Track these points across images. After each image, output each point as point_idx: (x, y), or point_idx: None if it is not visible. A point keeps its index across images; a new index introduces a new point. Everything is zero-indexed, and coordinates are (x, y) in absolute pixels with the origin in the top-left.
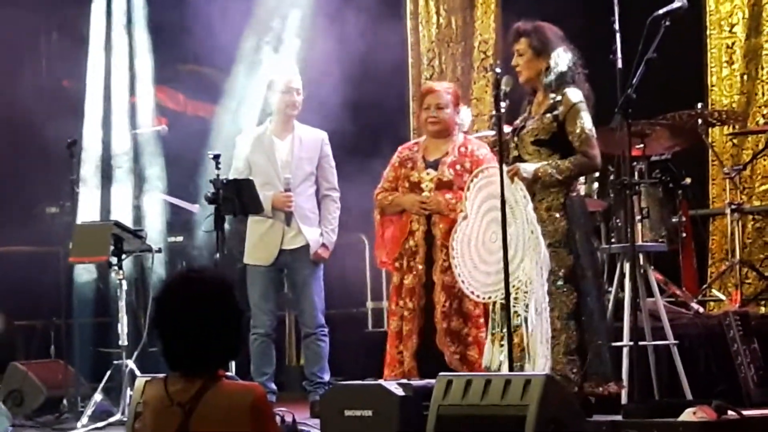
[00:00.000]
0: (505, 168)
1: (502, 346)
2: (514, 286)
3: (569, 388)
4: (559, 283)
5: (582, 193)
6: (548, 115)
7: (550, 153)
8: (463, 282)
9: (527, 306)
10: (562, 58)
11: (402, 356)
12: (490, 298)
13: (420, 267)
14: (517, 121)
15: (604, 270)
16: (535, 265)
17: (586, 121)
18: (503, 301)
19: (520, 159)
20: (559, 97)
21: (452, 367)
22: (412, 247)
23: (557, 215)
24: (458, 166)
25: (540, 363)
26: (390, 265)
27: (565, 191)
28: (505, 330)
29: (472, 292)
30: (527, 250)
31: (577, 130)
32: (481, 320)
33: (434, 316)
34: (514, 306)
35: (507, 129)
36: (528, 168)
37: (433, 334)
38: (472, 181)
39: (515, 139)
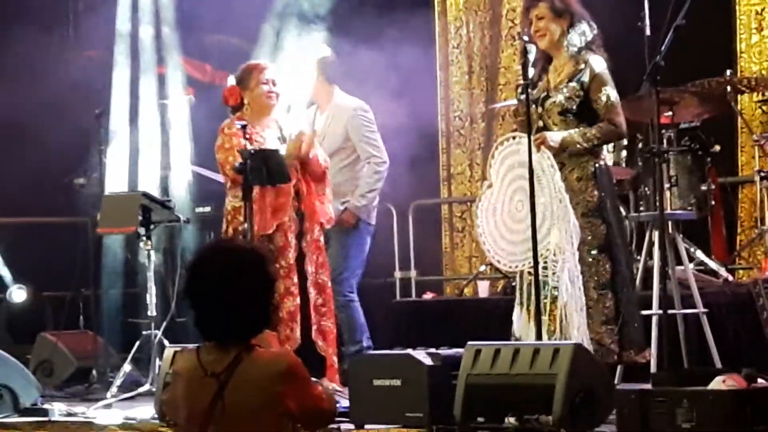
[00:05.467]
0: (522, 137)
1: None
2: (542, 255)
3: (608, 358)
4: (594, 252)
5: (610, 162)
6: (573, 83)
7: (578, 122)
8: (488, 251)
9: (555, 275)
10: (585, 18)
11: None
12: (516, 267)
13: (295, 242)
14: (535, 92)
15: (633, 238)
16: (565, 234)
17: (610, 89)
18: (531, 270)
19: (545, 129)
20: (582, 65)
21: (315, 340)
22: (286, 222)
23: (589, 185)
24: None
25: (573, 333)
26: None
27: (595, 160)
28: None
29: (498, 261)
30: (555, 219)
31: (603, 98)
32: (329, 291)
33: (306, 290)
34: (544, 275)
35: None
36: (555, 137)
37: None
38: (496, 149)
39: (539, 109)
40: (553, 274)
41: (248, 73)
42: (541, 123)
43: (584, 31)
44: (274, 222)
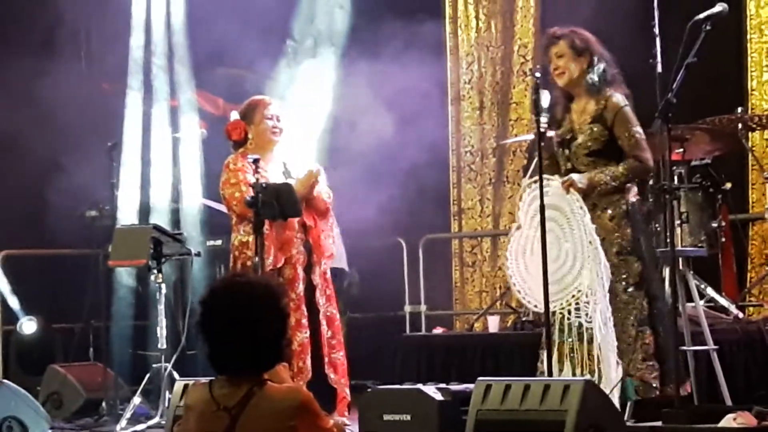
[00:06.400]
0: (558, 179)
1: (571, 357)
2: (573, 296)
3: (650, 393)
4: (630, 289)
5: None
6: (597, 123)
7: (606, 161)
8: (519, 292)
9: (588, 316)
10: (605, 57)
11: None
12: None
13: (303, 275)
14: (560, 131)
15: None
16: (596, 276)
17: (633, 125)
18: (562, 312)
19: (574, 170)
20: (603, 104)
21: (327, 373)
22: (294, 255)
23: (622, 223)
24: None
25: (612, 375)
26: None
27: (626, 198)
28: (571, 340)
29: (529, 302)
30: (586, 260)
31: (627, 135)
32: (338, 323)
33: (318, 323)
34: (577, 316)
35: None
36: (582, 179)
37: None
38: (524, 191)
39: (566, 151)
40: (586, 315)
41: (253, 108)
42: (569, 164)
43: (604, 70)
44: (282, 256)
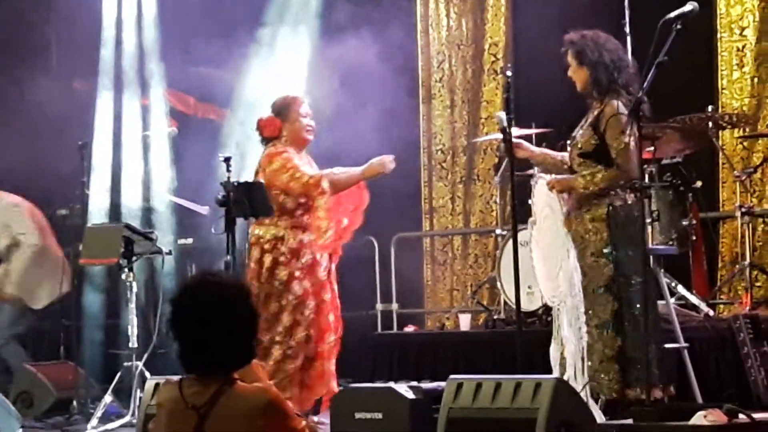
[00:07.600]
0: (543, 178)
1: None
2: (556, 296)
3: (603, 395)
4: (599, 291)
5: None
6: (591, 128)
7: (595, 164)
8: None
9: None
10: (602, 65)
11: None
12: (554, 303)
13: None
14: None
15: None
16: (564, 277)
17: (622, 133)
18: (559, 308)
19: (570, 168)
20: (600, 109)
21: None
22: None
23: (599, 226)
24: None
25: (570, 374)
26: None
27: (608, 202)
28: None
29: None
30: (563, 262)
31: (615, 143)
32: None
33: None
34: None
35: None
36: (561, 182)
37: None
38: (534, 185)
39: (569, 149)
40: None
41: (288, 105)
42: (570, 162)
43: (601, 79)
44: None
